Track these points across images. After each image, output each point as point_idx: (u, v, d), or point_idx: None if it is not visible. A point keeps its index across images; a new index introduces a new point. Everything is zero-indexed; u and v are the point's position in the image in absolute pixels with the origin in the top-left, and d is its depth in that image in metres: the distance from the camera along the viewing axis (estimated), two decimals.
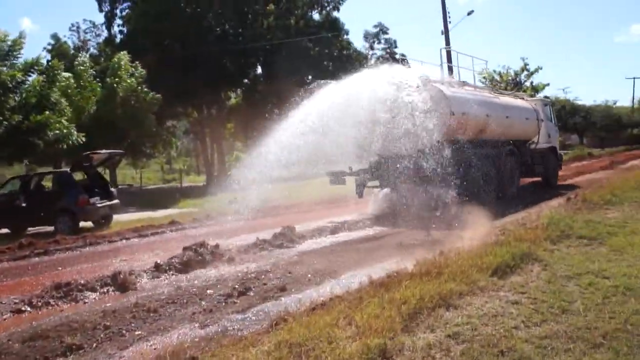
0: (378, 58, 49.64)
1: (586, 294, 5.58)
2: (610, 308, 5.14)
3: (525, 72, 58.83)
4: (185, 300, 6.86)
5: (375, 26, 48.97)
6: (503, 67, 60.68)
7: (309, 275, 7.68)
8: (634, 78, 78.78)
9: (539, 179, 19.78)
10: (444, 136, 13.00)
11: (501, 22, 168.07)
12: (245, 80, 40.75)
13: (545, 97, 40.36)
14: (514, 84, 59.97)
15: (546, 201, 14.47)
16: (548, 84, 58.10)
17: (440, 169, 11.66)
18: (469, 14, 28.39)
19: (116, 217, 17.15)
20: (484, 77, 61.16)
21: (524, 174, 18.24)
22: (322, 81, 15.73)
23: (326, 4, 42.70)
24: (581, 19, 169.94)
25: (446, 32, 27.27)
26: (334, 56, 41.17)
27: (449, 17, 27.29)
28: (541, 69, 58.71)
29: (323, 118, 12.59)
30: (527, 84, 59.35)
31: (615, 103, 69.91)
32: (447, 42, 27.21)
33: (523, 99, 20.61)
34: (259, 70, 42.62)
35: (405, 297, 5.09)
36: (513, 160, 16.82)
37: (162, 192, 33.90)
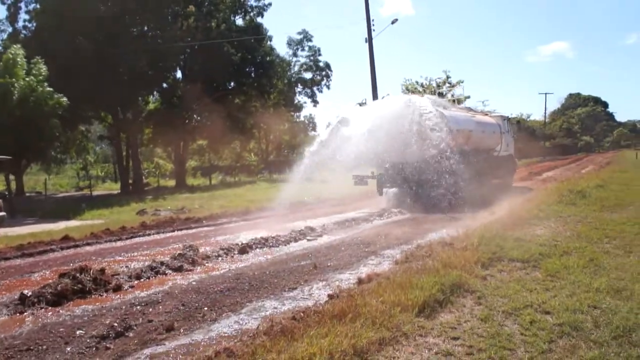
0: (301, 65, 48.67)
1: (528, 337, 4.65)
2: (559, 357, 4.23)
3: (448, 85, 59.97)
4: (45, 346, 5.41)
5: (299, 33, 48.07)
6: (426, 78, 61.64)
7: (205, 309, 6.36)
8: (546, 94, 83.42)
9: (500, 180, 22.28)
10: (443, 147, 16.56)
11: (424, 35, 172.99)
12: (164, 84, 38.61)
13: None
14: (437, 95, 61.07)
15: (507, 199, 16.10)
16: (469, 97, 59.10)
17: (440, 173, 16.29)
18: (392, 22, 27.83)
19: (4, 231, 15.06)
20: (407, 88, 62.06)
21: (492, 177, 20.95)
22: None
23: (250, 9, 41.29)
24: (497, 38, 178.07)
25: (370, 40, 26.61)
26: (256, 62, 39.80)
27: (374, 25, 26.67)
28: (463, 82, 60.11)
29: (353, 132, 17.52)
30: (449, 95, 60.52)
31: (529, 117, 72.67)
32: (371, 50, 26.58)
33: (488, 115, 24.20)
34: (179, 74, 40.63)
35: (309, 355, 3.91)
36: (487, 165, 19.64)
37: (69, 200, 31.21)
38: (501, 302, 5.58)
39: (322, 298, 6.45)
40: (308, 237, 11.69)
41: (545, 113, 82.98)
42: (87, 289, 7.36)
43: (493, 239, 8.45)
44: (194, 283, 7.72)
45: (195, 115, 42.97)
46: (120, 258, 10.14)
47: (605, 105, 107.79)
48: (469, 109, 23.99)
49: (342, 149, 17.73)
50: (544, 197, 14.57)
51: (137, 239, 12.70)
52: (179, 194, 28.76)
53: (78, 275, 7.59)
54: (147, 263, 9.00)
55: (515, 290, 5.98)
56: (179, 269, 8.59)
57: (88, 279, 7.58)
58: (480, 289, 6.01)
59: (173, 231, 13.82)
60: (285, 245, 10.91)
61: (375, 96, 26.87)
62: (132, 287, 7.67)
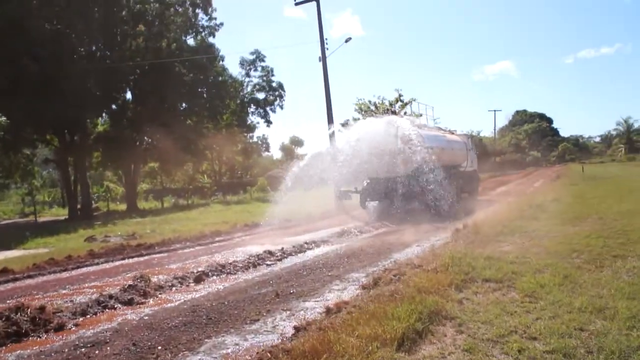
0: (254, 85, 48.15)
1: None
2: None
3: (400, 103, 60.51)
4: None
5: (252, 53, 47.56)
6: (378, 97, 62.11)
7: (159, 348, 5.68)
8: (495, 111, 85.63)
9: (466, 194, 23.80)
10: (420, 163, 17.99)
11: (374, 55, 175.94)
12: (113, 106, 37.38)
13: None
14: (389, 114, 61.50)
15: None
16: (421, 115, 59.77)
17: (417, 187, 17.93)
18: (346, 41, 27.67)
19: None
20: (360, 107, 62.37)
21: (460, 191, 22.29)
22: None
23: (201, 29, 40.59)
24: (444, 58, 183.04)
25: (324, 59, 26.35)
26: (208, 82, 39.06)
27: (327, 44, 26.45)
28: (415, 100, 60.76)
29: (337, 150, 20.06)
30: (402, 114, 61.07)
31: (479, 133, 74.13)
32: (325, 69, 26.32)
33: (454, 134, 26.31)
34: (129, 95, 39.45)
35: None
36: (456, 180, 21.06)
37: (12, 228, 29.59)
38: (483, 329, 5.14)
39: (288, 331, 5.88)
40: (267, 262, 11.08)
41: (495, 129, 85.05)
42: (24, 330, 6.54)
43: (463, 259, 8.06)
44: (146, 318, 7.00)
45: (146, 137, 41.74)
46: (65, 291, 9.27)
47: (550, 121, 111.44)
48: (439, 129, 25.70)
49: (329, 165, 20.26)
50: (506, 212, 14.41)
51: (84, 269, 11.79)
52: (130, 219, 27.60)
53: (13, 315, 6.78)
54: (94, 296, 8.20)
55: (495, 315, 5.57)
56: (129, 302, 7.82)
57: (25, 319, 6.76)
58: (458, 314, 5.57)
59: (123, 259, 12.94)
60: (244, 271, 10.23)
61: (329, 115, 26.57)
62: (76, 325, 6.88)
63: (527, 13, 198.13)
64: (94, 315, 7.32)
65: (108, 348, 5.82)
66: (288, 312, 6.81)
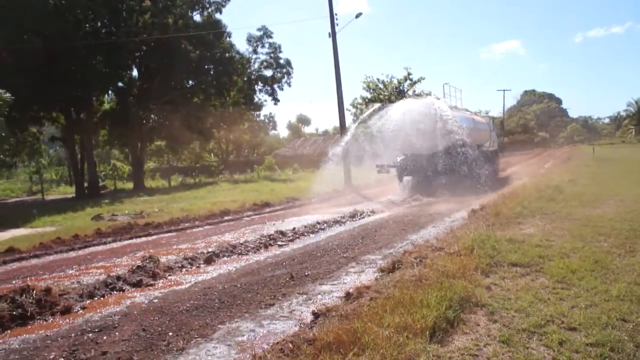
0: (262, 62, 47.43)
1: None
2: None
3: (408, 81, 59.73)
4: None
5: (259, 29, 46.70)
6: (387, 75, 61.34)
7: (170, 334, 5.36)
8: (504, 90, 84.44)
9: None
10: (454, 141, 20.04)
11: (381, 32, 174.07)
12: (120, 83, 36.91)
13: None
14: (398, 92, 60.70)
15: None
16: (430, 93, 59.18)
17: (449, 163, 20.10)
18: (357, 16, 26.92)
19: None
20: (368, 86, 61.71)
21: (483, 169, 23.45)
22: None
23: (208, 5, 39.87)
24: (452, 36, 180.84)
25: (333, 34, 25.74)
26: (215, 59, 38.39)
27: (337, 20, 25.79)
28: (424, 79, 60.19)
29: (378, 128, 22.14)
30: (410, 92, 60.34)
31: (487, 113, 73.24)
32: (335, 45, 25.72)
33: (479, 115, 29.15)
34: (135, 72, 38.96)
35: None
36: (482, 157, 21.91)
37: (20, 206, 29.42)
38: (518, 318, 4.78)
39: (307, 317, 5.55)
40: (279, 243, 10.75)
41: (504, 109, 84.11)
42: (29, 313, 6.24)
43: (487, 241, 7.68)
44: (155, 301, 6.68)
45: (152, 115, 41.40)
46: (72, 272, 8.98)
47: (559, 101, 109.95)
48: (467, 110, 26.42)
49: (372, 141, 23.24)
50: (524, 193, 13.99)
51: (91, 249, 11.52)
52: (137, 197, 27.37)
53: (18, 297, 6.47)
54: (102, 277, 7.90)
55: (528, 302, 5.21)
56: (138, 284, 7.51)
57: (30, 301, 6.47)
58: (489, 301, 5.21)
59: (131, 238, 12.66)
60: (255, 252, 9.91)
61: (339, 93, 26.04)
62: (83, 308, 6.58)
63: None
64: (101, 298, 7.02)
65: (117, 333, 5.51)
66: (304, 296, 6.48)
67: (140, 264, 8.24)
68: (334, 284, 7.03)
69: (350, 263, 8.38)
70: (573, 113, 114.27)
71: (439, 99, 23.49)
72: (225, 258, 9.39)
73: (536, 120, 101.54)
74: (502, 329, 4.52)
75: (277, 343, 4.37)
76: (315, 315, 5.40)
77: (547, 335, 4.39)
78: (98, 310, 6.43)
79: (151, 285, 7.57)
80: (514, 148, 71.89)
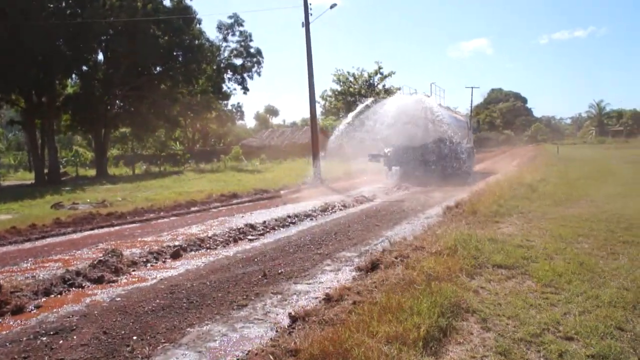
0: (232, 51, 46.56)
1: None
2: None
3: (379, 75, 59.73)
4: None
5: (230, 17, 45.76)
6: (357, 69, 61.20)
7: (134, 338, 4.86)
8: (472, 87, 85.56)
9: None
10: (440, 135, 22.88)
11: (352, 26, 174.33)
12: (84, 67, 35.65)
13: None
14: (368, 86, 60.69)
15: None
16: (400, 88, 59.43)
17: (434, 156, 22.97)
18: (331, 7, 26.34)
19: None
20: (338, 79, 61.46)
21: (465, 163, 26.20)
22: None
23: None
24: (421, 32, 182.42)
25: (307, 24, 25.20)
26: (184, 46, 37.40)
27: (311, 10, 25.26)
28: (394, 73, 60.21)
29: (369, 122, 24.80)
30: (380, 86, 60.37)
31: (456, 109, 73.74)
32: (308, 35, 25.22)
33: (459, 113, 32.08)
34: (100, 56, 37.68)
35: None
36: (464, 152, 24.87)
37: None
38: (512, 326, 4.47)
39: (283, 320, 5.14)
40: (249, 237, 10.30)
41: (471, 106, 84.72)
42: None
43: (469, 241, 7.39)
44: (118, 299, 6.17)
45: (117, 101, 40.12)
46: (26, 266, 8.35)
47: (524, 100, 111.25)
48: (448, 108, 28.70)
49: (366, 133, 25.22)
50: (499, 191, 13.83)
51: (49, 240, 10.84)
52: (100, 185, 26.44)
53: None
54: (59, 272, 7.34)
55: (519, 308, 4.91)
56: (99, 280, 6.96)
57: None
58: (479, 307, 4.88)
59: (92, 229, 12.01)
60: (225, 246, 9.43)
61: (311, 83, 25.54)
62: (38, 307, 6.00)
63: None
64: (58, 296, 6.45)
65: (74, 337, 4.99)
66: (279, 297, 6.07)
67: (101, 258, 7.67)
68: (310, 284, 6.64)
69: (325, 260, 8.00)
70: (537, 112, 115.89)
71: (428, 96, 25.29)
72: (193, 252, 8.89)
73: (502, 118, 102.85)
74: (497, 338, 4.20)
75: (256, 354, 3.95)
76: (293, 318, 5.00)
77: (544, 345, 4.09)
78: (54, 310, 5.88)
79: (113, 281, 7.03)
80: (480, 144, 72.55)
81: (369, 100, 28.82)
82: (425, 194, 17.68)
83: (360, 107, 28.32)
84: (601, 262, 6.71)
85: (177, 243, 9.38)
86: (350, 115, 28.15)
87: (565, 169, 24.72)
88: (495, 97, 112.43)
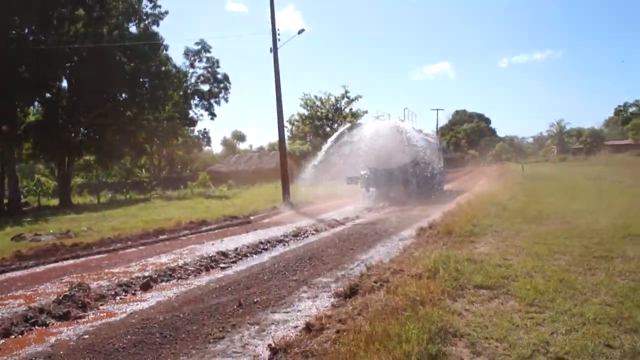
0: (199, 77, 46.33)
1: None
2: None
3: (346, 99, 60.19)
4: None
5: (197, 43, 45.64)
6: (324, 93, 61.56)
7: None
8: (437, 110, 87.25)
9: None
10: (414, 158, 24.16)
11: (317, 51, 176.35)
12: (47, 94, 34.87)
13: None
14: (335, 110, 61.06)
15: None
16: (367, 111, 60.13)
17: (409, 177, 23.84)
18: (299, 32, 26.47)
19: None
20: (306, 103, 61.62)
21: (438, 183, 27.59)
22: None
23: (145, 17, 38.51)
24: (385, 57, 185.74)
25: (275, 50, 25.20)
26: (151, 72, 37.03)
27: (279, 36, 25.28)
28: (361, 97, 60.78)
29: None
30: (347, 110, 60.80)
31: (421, 131, 74.63)
32: (276, 60, 25.21)
33: (429, 136, 34.07)
34: (64, 82, 36.92)
35: None
36: (436, 173, 25.79)
37: None
38: (501, 349, 4.33)
39: (263, 353, 4.91)
40: (221, 265, 10.00)
41: (437, 128, 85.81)
42: None
43: (448, 262, 7.26)
44: (86, 337, 5.80)
45: (82, 129, 39.26)
46: None
47: (488, 121, 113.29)
48: (420, 131, 30.42)
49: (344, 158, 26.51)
50: (471, 210, 13.86)
51: (9, 274, 10.27)
52: (64, 215, 25.61)
53: None
54: (21, 310, 6.90)
55: (505, 329, 4.78)
56: (65, 317, 6.56)
57: None
58: (466, 330, 4.73)
59: (57, 261, 11.46)
60: (197, 276, 9.10)
61: (279, 108, 25.46)
62: None
63: (465, 14, 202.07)
64: (20, 336, 6.03)
65: None
66: (257, 327, 5.81)
67: (67, 293, 7.26)
68: (288, 312, 6.40)
69: (301, 287, 7.78)
70: (501, 132, 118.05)
71: (403, 120, 26.61)
72: (164, 283, 8.55)
73: (467, 139, 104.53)
74: None
75: None
76: (273, 350, 4.77)
77: None
78: (15, 352, 5.48)
79: (80, 317, 6.64)
80: (447, 164, 73.34)
81: (346, 126, 30.80)
82: (402, 213, 18.83)
83: (338, 132, 30.16)
84: (580, 278, 6.67)
85: (146, 274, 9.01)
86: (330, 140, 29.32)
87: (532, 187, 25.05)
88: (460, 118, 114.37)
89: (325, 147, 29.00)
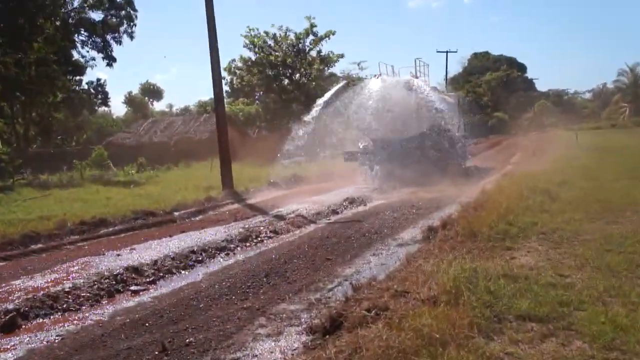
0: None
1: None
2: None
3: (312, 37, 59.93)
4: None
5: None
6: (280, 27, 61.10)
7: None
8: (447, 52, 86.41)
9: None
10: (431, 126, 27.61)
11: None
12: None
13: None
14: (296, 53, 60.80)
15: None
16: (342, 55, 60.19)
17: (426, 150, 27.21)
18: None
19: None
20: (252, 42, 61.14)
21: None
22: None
23: None
24: None
25: None
26: None
27: None
28: (334, 33, 60.49)
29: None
30: (313, 53, 60.64)
31: (436, 89, 75.07)
32: None
33: (445, 94, 37.50)
34: None
35: None
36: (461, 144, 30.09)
37: None
38: None
39: None
40: (133, 287, 9.93)
41: (446, 79, 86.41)
42: None
43: (474, 280, 7.28)
44: None
45: None
46: None
47: (522, 68, 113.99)
48: (435, 89, 33.63)
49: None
50: (504, 200, 14.00)
51: None
52: None
53: None
54: None
55: None
56: None
57: None
58: None
59: None
60: (94, 305, 9.05)
61: (213, 47, 25.29)
62: None
63: None
64: None
65: None
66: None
67: None
68: None
69: (256, 319, 7.82)
70: (542, 85, 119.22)
71: (417, 77, 29.10)
72: (41, 319, 8.49)
73: (491, 95, 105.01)
74: None
75: None
76: None
77: None
78: None
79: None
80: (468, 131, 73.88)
81: (341, 84, 34.69)
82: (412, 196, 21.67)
83: (329, 92, 32.97)
84: None
85: (10, 306, 8.82)
86: (318, 102, 32.25)
87: (592, 166, 25.36)
88: (480, 64, 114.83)
89: (312, 112, 31.32)
